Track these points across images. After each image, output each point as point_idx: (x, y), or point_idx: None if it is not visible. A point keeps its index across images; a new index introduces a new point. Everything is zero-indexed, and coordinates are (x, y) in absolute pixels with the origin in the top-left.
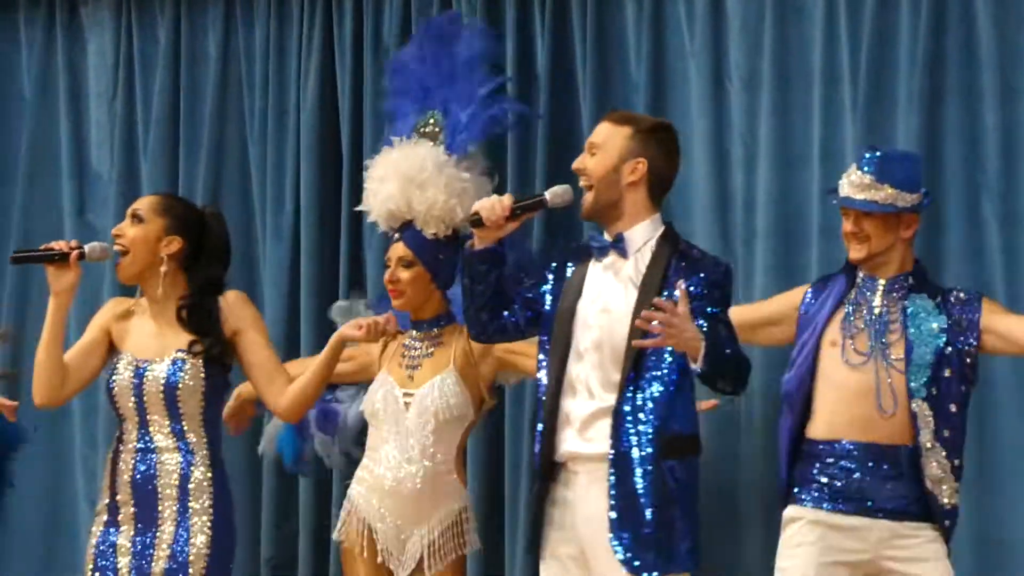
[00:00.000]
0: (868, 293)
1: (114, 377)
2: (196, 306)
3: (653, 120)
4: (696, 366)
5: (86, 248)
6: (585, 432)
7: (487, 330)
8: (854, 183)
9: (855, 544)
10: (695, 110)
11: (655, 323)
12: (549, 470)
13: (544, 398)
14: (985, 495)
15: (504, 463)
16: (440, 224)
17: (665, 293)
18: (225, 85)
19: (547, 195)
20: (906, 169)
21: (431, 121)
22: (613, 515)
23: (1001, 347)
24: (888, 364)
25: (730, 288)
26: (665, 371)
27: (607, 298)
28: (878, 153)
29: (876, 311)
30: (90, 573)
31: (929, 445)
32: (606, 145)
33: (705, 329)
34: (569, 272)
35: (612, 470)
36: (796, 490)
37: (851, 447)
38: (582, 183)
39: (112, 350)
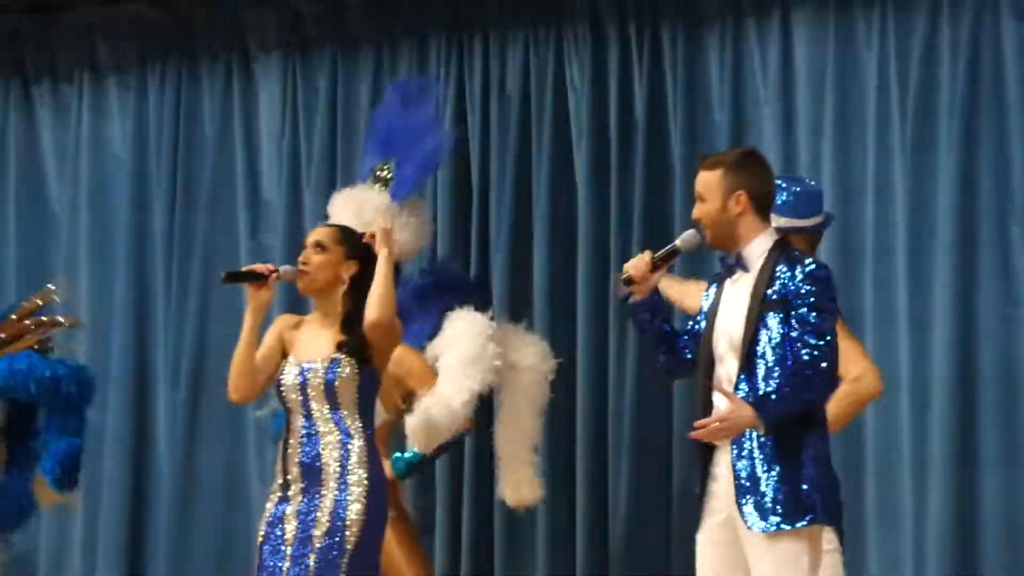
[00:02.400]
0: None
1: (282, 377)
2: (358, 320)
3: (736, 152)
4: (760, 432)
5: (280, 271)
6: None
7: (671, 367)
8: None
9: None
10: (769, 151)
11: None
12: (709, 453)
13: (697, 398)
14: None
15: (607, 443)
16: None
17: (772, 290)
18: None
19: (679, 243)
20: None
21: (386, 167)
22: (738, 482)
23: None
24: None
25: (827, 287)
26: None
27: (735, 307)
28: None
29: None
30: (261, 538)
31: None
32: (708, 192)
33: (792, 340)
34: (711, 295)
35: (734, 445)
36: None
37: None
38: (702, 225)
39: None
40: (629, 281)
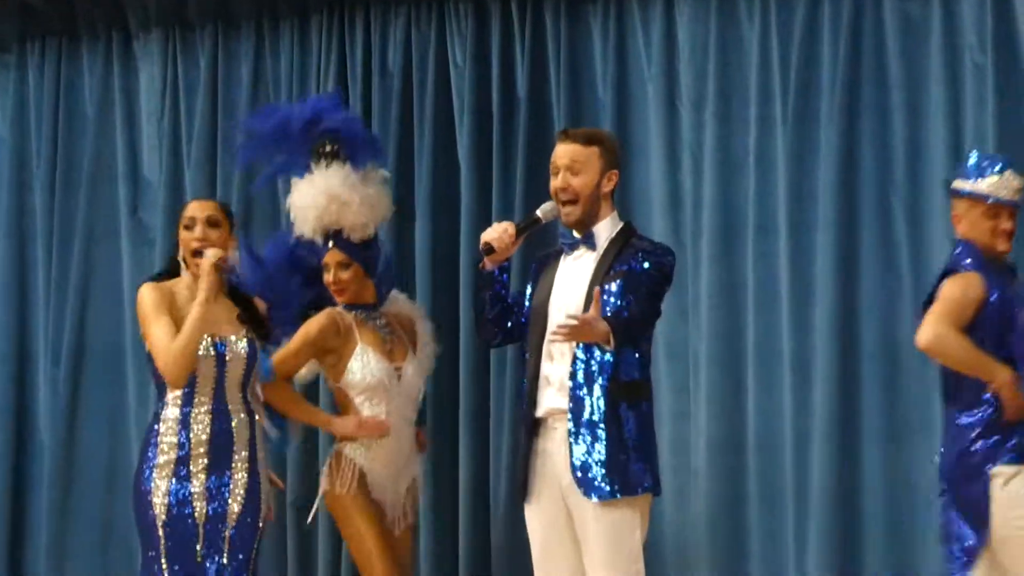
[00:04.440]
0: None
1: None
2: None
3: (606, 133)
4: (608, 347)
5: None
6: (562, 391)
7: (498, 336)
8: (1014, 187)
9: None
10: (653, 127)
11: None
12: (533, 426)
13: (528, 370)
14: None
15: (489, 419)
16: (365, 230)
17: (616, 265)
18: (256, 105)
19: (539, 213)
20: None
21: (326, 143)
22: (572, 454)
23: None
24: None
25: (670, 268)
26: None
27: (575, 283)
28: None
29: None
30: (164, 520)
31: None
32: (585, 166)
33: (626, 303)
34: (542, 273)
35: (571, 416)
36: None
37: None
38: (564, 198)
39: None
40: (490, 250)
